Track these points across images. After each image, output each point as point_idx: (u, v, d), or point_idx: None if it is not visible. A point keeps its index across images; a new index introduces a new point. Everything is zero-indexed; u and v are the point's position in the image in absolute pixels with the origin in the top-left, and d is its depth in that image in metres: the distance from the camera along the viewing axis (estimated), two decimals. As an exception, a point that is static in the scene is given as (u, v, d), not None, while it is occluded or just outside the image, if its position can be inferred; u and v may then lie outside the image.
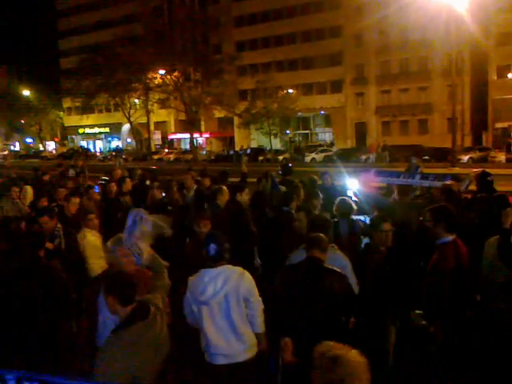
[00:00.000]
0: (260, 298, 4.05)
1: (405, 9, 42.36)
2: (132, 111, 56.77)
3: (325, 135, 60.46)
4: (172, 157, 54.74)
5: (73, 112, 73.51)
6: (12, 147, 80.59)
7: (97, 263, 5.54)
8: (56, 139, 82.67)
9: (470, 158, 38.40)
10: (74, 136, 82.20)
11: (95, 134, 78.97)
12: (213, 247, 3.91)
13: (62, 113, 78.68)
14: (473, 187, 7.06)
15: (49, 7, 78.71)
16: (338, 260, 4.58)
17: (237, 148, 58.01)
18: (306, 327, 3.96)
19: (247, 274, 4.00)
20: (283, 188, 8.45)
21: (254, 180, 9.43)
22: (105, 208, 8.11)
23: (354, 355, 2.10)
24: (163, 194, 8.40)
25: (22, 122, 73.68)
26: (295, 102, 52.12)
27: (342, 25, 53.89)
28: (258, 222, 6.64)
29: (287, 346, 2.90)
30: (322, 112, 57.76)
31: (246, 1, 60.68)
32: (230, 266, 3.96)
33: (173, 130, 69.65)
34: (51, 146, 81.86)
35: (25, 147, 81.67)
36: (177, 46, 50.18)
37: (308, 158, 46.82)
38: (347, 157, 42.94)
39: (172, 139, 69.89)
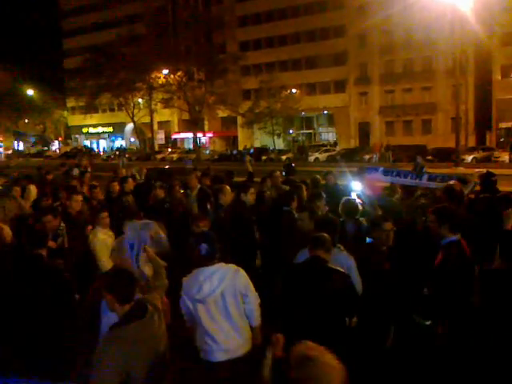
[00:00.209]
0: (256, 293, 4.14)
1: (409, 8, 42.31)
2: (135, 111, 56.84)
3: (328, 135, 60.40)
4: (175, 156, 54.78)
5: (76, 111, 73.61)
6: (16, 147, 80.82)
7: (108, 261, 5.53)
8: (60, 138, 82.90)
9: (474, 157, 38.30)
10: (77, 135, 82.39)
11: (99, 133, 79.14)
12: (204, 247, 3.97)
13: (65, 112, 78.89)
14: (476, 187, 7.03)
15: (52, 7, 78.94)
16: (342, 260, 4.58)
17: (240, 148, 58.03)
18: (308, 327, 3.96)
19: (241, 270, 4.10)
20: (286, 187, 8.44)
21: (258, 179, 9.44)
22: (107, 207, 8.11)
23: (327, 358, 2.10)
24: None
25: (26, 121, 73.89)
26: (299, 101, 52.13)
27: (345, 24, 53.82)
28: (260, 222, 6.64)
29: (278, 341, 2.93)
30: (326, 112, 57.72)
31: (250, 0, 60.66)
32: (223, 264, 4.04)
33: (176, 129, 69.73)
34: (55, 145, 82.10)
35: (28, 146, 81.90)
36: (180, 46, 50.25)
37: (311, 158, 46.81)
38: (350, 157, 42.93)
39: (175, 139, 69.97)
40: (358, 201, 6.74)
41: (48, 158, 64.27)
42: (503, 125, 47.62)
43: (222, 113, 55.01)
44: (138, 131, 60.36)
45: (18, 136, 74.87)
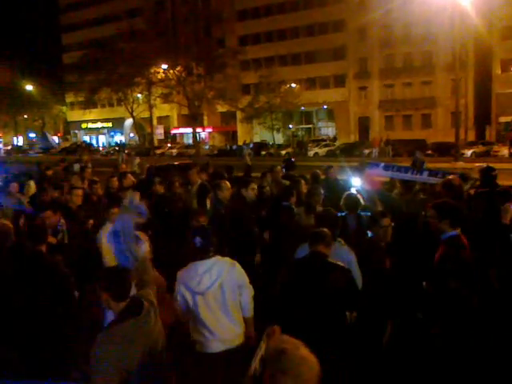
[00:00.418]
0: (251, 285, 4.25)
1: (408, 3, 42.22)
2: (135, 106, 56.71)
3: (328, 129, 60.34)
4: (175, 151, 54.72)
5: (76, 107, 73.39)
6: (15, 142, 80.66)
7: (112, 258, 5.50)
8: (59, 134, 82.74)
9: (474, 152, 38.28)
10: (76, 131, 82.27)
11: (98, 128, 79.03)
12: (198, 240, 4.06)
13: (64, 107, 78.70)
14: (477, 183, 7.01)
15: (51, 2, 78.62)
16: (343, 254, 4.60)
17: (240, 143, 57.95)
18: (308, 322, 3.97)
19: (237, 264, 4.21)
20: (286, 182, 8.44)
21: (258, 174, 9.42)
22: (106, 202, 8.11)
23: (302, 351, 2.12)
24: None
25: (25, 116, 73.75)
26: (298, 96, 52.03)
27: (345, 19, 53.66)
28: (260, 217, 6.63)
29: (274, 332, 2.94)
30: (325, 106, 57.62)
31: (249, -5, 60.53)
32: (219, 257, 4.14)
33: (175, 124, 69.64)
34: (55, 141, 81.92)
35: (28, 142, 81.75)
36: (179, 41, 50.03)
37: (311, 153, 46.77)
38: (350, 151, 42.93)
39: (175, 134, 69.87)
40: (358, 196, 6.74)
41: (47, 153, 64.15)
42: (503, 119, 47.56)
43: (222, 108, 54.89)
44: (137, 126, 60.27)
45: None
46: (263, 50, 58.84)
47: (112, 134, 78.00)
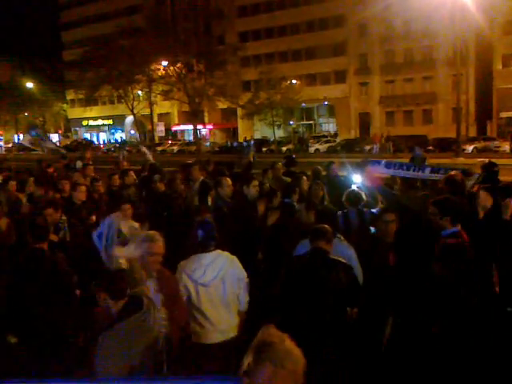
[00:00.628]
0: (248, 279, 4.38)
1: (409, -2, 42.03)
2: (135, 103, 56.64)
3: (328, 126, 60.25)
4: (176, 148, 54.67)
5: (76, 104, 73.44)
6: (17, 140, 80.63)
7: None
8: (60, 131, 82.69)
9: (475, 147, 38.23)
10: (77, 128, 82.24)
11: (99, 125, 79.00)
12: (200, 233, 4.19)
13: (65, 105, 78.66)
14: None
15: (51, -1, 78.58)
16: (343, 250, 4.62)
17: (240, 139, 57.89)
18: (310, 318, 3.97)
19: (236, 258, 4.36)
20: (287, 179, 8.42)
21: (258, 171, 9.40)
22: (108, 200, 8.11)
23: (287, 344, 2.15)
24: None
25: (26, 114, 73.71)
26: (299, 92, 51.89)
27: (345, 14, 53.49)
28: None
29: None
30: (326, 102, 57.51)
31: (249, -9, 60.39)
32: (220, 251, 4.27)
33: (176, 121, 69.60)
34: (55, 138, 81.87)
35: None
36: (179, 37, 49.93)
37: (312, 149, 46.75)
38: (351, 147, 42.92)
39: (175, 131, 69.84)
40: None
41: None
42: (504, 114, 47.45)
43: (222, 104, 54.81)
44: (137, 123, 60.23)
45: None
46: (263, 47, 58.72)
47: (113, 131, 77.99)
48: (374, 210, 6.13)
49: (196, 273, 4.11)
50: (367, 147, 43.15)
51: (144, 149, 14.53)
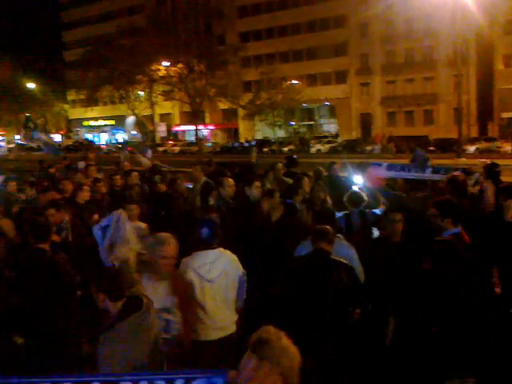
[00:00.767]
0: (246, 277, 4.41)
1: (410, -2, 42.03)
2: (136, 103, 56.65)
3: (329, 126, 60.22)
4: (177, 149, 54.70)
5: (77, 104, 73.38)
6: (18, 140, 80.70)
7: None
8: (61, 132, 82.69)
9: (477, 148, 38.20)
10: (78, 128, 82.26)
11: (100, 126, 78.99)
12: (204, 230, 4.23)
13: (66, 105, 78.67)
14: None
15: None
16: (344, 250, 4.62)
17: (241, 140, 57.88)
18: (310, 318, 3.97)
19: (235, 256, 4.42)
20: (289, 180, 8.41)
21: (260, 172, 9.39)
22: (110, 201, 8.12)
23: (283, 342, 2.19)
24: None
25: (27, 114, 73.74)
26: (300, 93, 51.87)
27: (346, 14, 53.50)
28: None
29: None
30: (327, 103, 57.49)
31: (250, -9, 60.40)
32: (222, 249, 4.34)
33: (177, 121, 69.59)
34: (57, 138, 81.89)
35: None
36: (180, 38, 49.96)
37: (313, 150, 46.77)
38: (352, 148, 42.93)
39: (177, 131, 69.85)
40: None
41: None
42: (505, 115, 47.41)
43: (223, 105, 54.83)
44: (139, 124, 60.25)
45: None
46: (264, 47, 58.70)
47: (114, 131, 77.98)
48: (376, 211, 6.13)
49: (202, 268, 4.16)
50: (368, 148, 43.19)
51: (140, 158, 12.64)
